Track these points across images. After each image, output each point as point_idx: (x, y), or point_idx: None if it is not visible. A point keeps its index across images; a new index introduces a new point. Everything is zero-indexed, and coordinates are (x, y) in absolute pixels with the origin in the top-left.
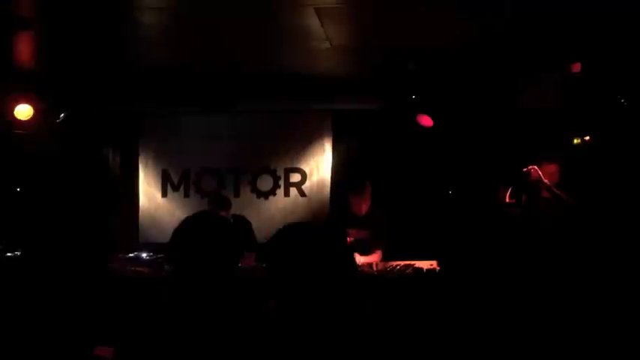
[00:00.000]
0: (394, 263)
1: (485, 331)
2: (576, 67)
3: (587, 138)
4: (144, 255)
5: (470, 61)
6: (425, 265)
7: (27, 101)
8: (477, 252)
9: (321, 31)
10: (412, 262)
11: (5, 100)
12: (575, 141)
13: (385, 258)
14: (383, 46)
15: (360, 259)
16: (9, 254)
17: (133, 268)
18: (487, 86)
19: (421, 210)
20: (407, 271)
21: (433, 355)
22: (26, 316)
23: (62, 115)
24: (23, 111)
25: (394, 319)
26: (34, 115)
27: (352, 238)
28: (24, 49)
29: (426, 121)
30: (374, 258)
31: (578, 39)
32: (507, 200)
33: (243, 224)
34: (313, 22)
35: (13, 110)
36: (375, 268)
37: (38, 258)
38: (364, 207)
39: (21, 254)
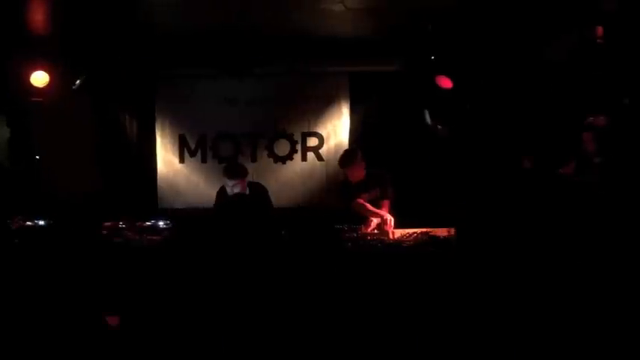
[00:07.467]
0: (411, 231)
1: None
2: (598, 31)
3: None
4: (161, 223)
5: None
6: (442, 232)
7: (43, 68)
8: (498, 219)
9: None
10: (429, 230)
11: (21, 67)
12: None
13: (403, 226)
14: (398, 7)
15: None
16: (29, 223)
17: (148, 237)
18: (510, 40)
19: (440, 175)
20: (423, 238)
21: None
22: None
23: (78, 81)
24: (39, 78)
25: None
26: (50, 81)
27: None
28: (38, 15)
29: (445, 82)
30: (384, 210)
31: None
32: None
33: (259, 192)
34: None
35: (29, 77)
36: (392, 237)
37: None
38: (357, 174)
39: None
